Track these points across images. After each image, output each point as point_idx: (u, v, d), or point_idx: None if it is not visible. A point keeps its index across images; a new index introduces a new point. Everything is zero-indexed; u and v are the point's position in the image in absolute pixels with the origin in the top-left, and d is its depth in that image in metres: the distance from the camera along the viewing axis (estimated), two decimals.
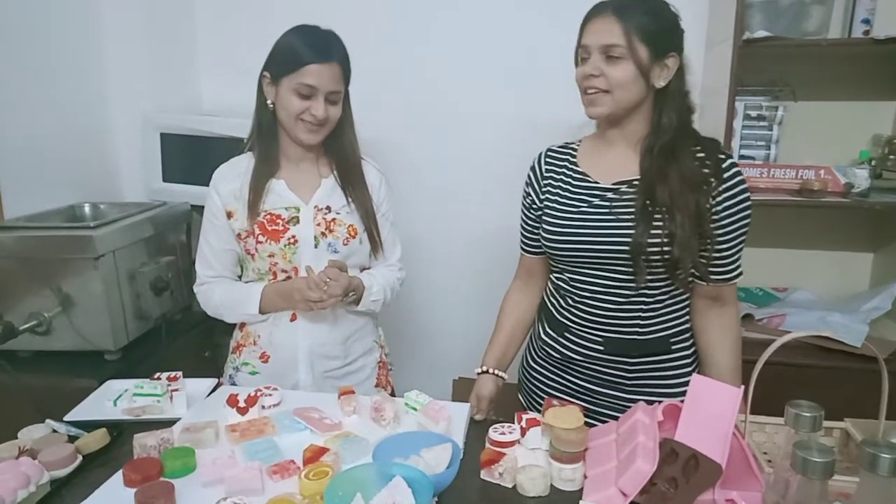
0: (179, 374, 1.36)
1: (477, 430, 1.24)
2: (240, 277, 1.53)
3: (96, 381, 1.47)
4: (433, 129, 2.33)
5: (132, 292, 1.76)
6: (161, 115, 2.18)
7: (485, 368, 1.43)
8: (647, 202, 1.21)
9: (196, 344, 2.00)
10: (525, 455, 1.12)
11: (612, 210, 1.24)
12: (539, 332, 1.43)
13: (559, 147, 1.39)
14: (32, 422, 1.21)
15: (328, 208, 1.45)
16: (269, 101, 1.40)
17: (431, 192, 2.37)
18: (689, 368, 1.33)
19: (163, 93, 2.28)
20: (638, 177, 1.24)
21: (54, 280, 1.63)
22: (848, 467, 1.07)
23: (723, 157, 1.23)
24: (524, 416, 1.16)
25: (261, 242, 1.41)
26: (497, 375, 1.43)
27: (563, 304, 1.35)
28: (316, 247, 1.42)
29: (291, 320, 1.46)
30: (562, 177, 1.34)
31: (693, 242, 1.19)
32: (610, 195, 1.26)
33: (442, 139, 2.33)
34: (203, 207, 1.50)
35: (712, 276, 1.26)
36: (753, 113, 1.94)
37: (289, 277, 1.44)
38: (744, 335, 1.86)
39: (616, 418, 1.28)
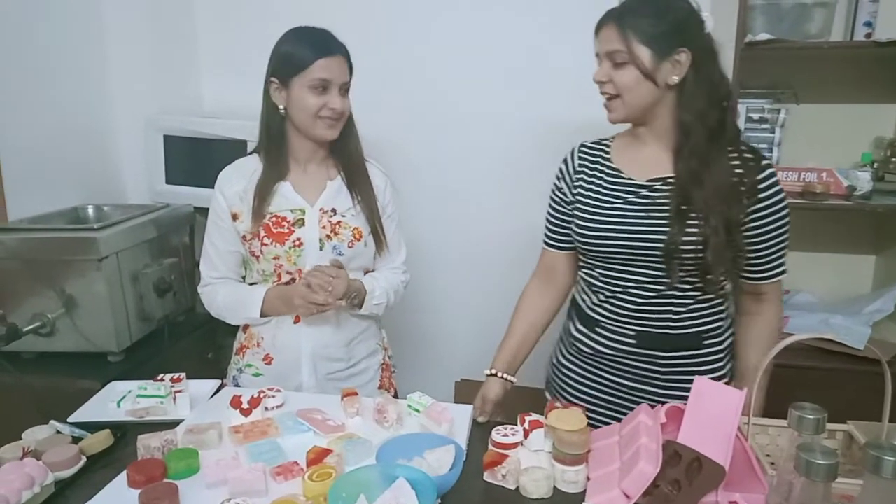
0: (183, 375, 1.37)
1: (480, 431, 1.24)
2: (244, 279, 1.54)
3: (99, 383, 1.47)
4: (434, 129, 2.33)
5: (135, 294, 1.76)
6: (164, 117, 2.19)
7: (493, 371, 1.43)
8: (682, 204, 1.22)
9: (199, 345, 2.01)
10: (528, 457, 1.12)
11: (647, 207, 1.25)
12: (570, 329, 1.44)
13: (592, 143, 1.40)
14: (36, 423, 1.22)
15: (333, 211, 1.46)
16: (281, 107, 1.40)
17: (433, 193, 2.37)
18: (723, 363, 1.34)
19: (165, 95, 2.29)
20: (671, 174, 1.25)
21: (58, 281, 1.63)
22: (851, 470, 1.07)
23: (761, 166, 1.23)
24: (527, 418, 1.16)
25: (266, 245, 1.41)
26: (505, 379, 1.42)
27: (595, 301, 1.36)
28: (321, 249, 1.43)
29: (295, 322, 1.47)
30: (595, 172, 1.34)
31: (726, 250, 1.20)
32: (644, 192, 1.27)
33: (443, 140, 2.33)
34: (206, 209, 1.50)
35: (752, 276, 1.29)
36: (756, 115, 1.95)
37: (293, 280, 1.44)
38: None
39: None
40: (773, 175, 1.23)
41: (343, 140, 1.46)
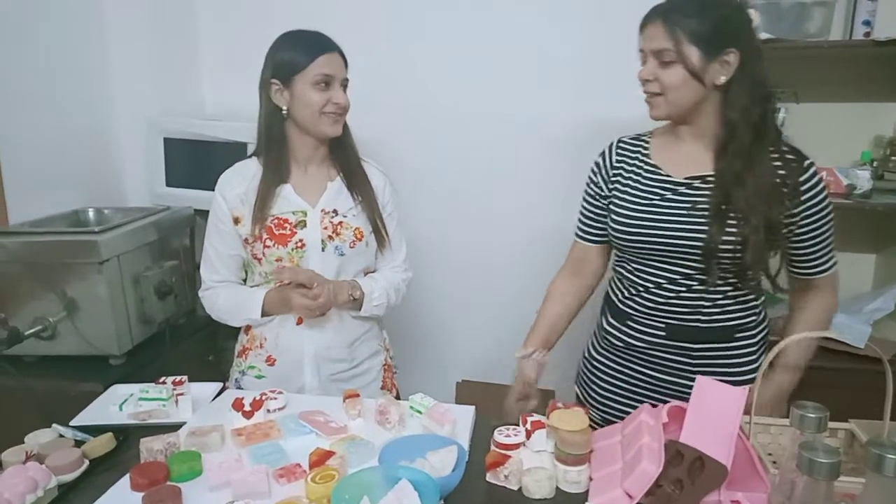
0: (184, 378, 1.37)
1: (482, 432, 1.24)
2: (244, 282, 1.54)
3: (101, 386, 1.47)
4: (433, 130, 2.33)
5: (136, 297, 1.76)
6: (165, 120, 2.19)
7: (530, 350, 1.42)
8: (722, 203, 1.21)
9: (200, 348, 2.01)
10: (530, 457, 1.12)
11: (685, 205, 1.26)
12: (602, 323, 1.45)
13: (631, 139, 1.39)
14: (38, 426, 1.22)
15: (335, 212, 1.46)
16: (283, 109, 1.40)
17: (431, 193, 2.37)
18: (756, 356, 1.33)
19: (166, 97, 2.29)
20: (710, 172, 1.25)
21: (59, 285, 1.63)
22: (853, 468, 1.07)
23: (804, 167, 1.23)
24: (529, 419, 1.16)
25: (268, 247, 1.41)
26: (539, 361, 1.41)
27: (626, 294, 1.36)
28: (323, 250, 1.43)
29: (298, 324, 1.47)
30: (633, 168, 1.34)
31: (766, 250, 1.21)
32: (682, 189, 1.27)
33: (442, 140, 2.33)
34: (207, 212, 1.50)
35: (803, 272, 1.31)
36: None
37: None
38: None
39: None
40: (815, 174, 1.23)
41: (340, 140, 1.47)
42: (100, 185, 2.14)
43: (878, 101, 2.06)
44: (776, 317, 1.98)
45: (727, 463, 0.92)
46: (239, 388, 1.51)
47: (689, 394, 1.23)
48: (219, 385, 1.45)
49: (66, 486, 1.06)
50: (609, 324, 1.41)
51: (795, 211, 1.23)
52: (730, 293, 1.28)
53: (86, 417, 1.30)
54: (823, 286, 1.34)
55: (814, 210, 1.24)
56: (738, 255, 1.21)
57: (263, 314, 1.45)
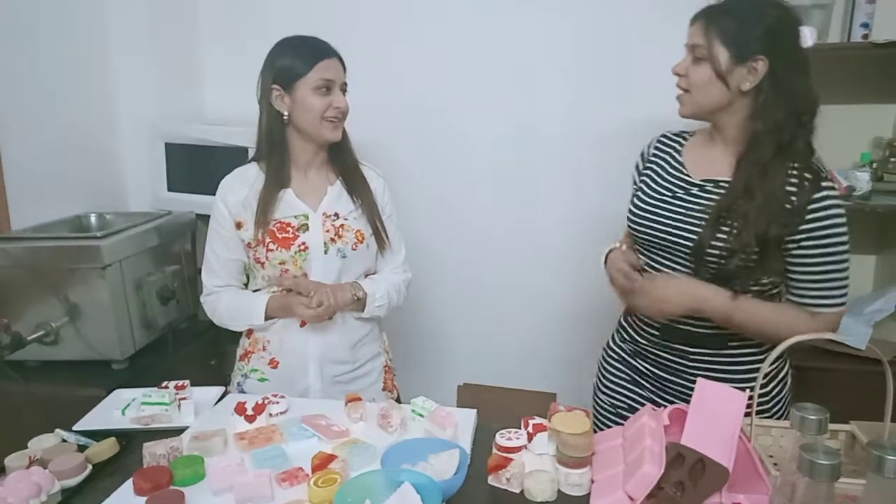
0: (187, 382, 1.37)
1: (484, 435, 1.24)
2: (245, 286, 1.55)
3: (104, 391, 1.47)
4: (432, 133, 2.34)
5: (139, 301, 1.77)
6: (166, 125, 2.20)
7: (616, 244, 1.40)
8: (724, 209, 1.20)
9: (202, 352, 2.01)
10: (532, 460, 1.12)
11: (692, 206, 1.27)
12: (621, 316, 1.48)
13: (673, 135, 1.40)
14: (41, 431, 1.22)
15: (336, 215, 1.47)
16: (284, 114, 1.41)
17: (431, 197, 2.38)
18: (755, 366, 1.29)
19: (167, 102, 2.30)
20: (727, 178, 1.25)
21: (61, 290, 1.64)
22: (854, 470, 1.07)
23: (815, 196, 1.18)
24: (531, 422, 1.16)
25: (271, 250, 1.42)
26: (626, 252, 1.37)
27: None
28: (326, 253, 1.45)
29: (301, 326, 1.48)
30: (662, 163, 1.36)
31: (754, 267, 1.19)
32: (694, 190, 1.28)
33: (442, 143, 2.34)
34: (208, 216, 1.51)
35: (799, 300, 1.24)
36: None
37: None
38: None
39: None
40: (826, 199, 1.17)
41: (339, 145, 1.49)
42: (102, 190, 2.15)
43: (877, 103, 2.07)
44: None
45: (728, 465, 0.93)
46: (241, 391, 1.52)
47: (689, 394, 1.23)
48: (221, 389, 1.45)
49: (69, 490, 1.06)
50: (624, 317, 1.46)
51: (797, 236, 1.18)
52: None
53: (88, 422, 1.30)
54: (819, 323, 1.22)
55: (816, 238, 1.18)
56: (724, 262, 1.20)
57: (266, 318, 1.46)
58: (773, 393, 1.33)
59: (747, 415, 1.02)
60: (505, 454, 1.11)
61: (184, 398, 1.33)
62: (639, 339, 1.39)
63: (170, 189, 2.19)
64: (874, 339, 1.83)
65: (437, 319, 2.51)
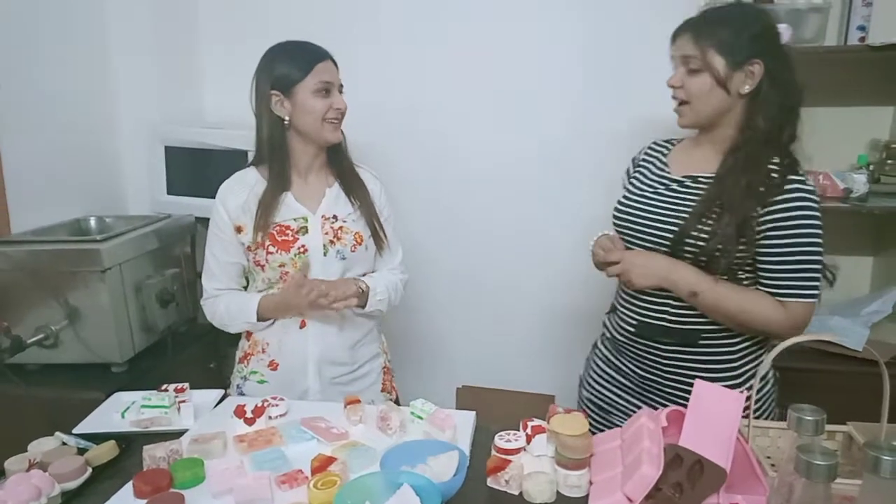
0: (186, 385, 1.38)
1: (482, 437, 1.25)
2: (245, 289, 1.55)
3: (103, 394, 1.48)
4: (430, 136, 2.34)
5: (138, 305, 1.77)
6: (165, 129, 2.20)
7: (605, 232, 1.44)
8: (708, 200, 1.24)
9: (201, 355, 2.01)
10: (531, 462, 1.12)
11: (671, 200, 1.31)
12: (606, 314, 1.51)
13: (663, 141, 1.46)
14: (41, 434, 1.22)
15: (335, 217, 1.49)
16: (285, 119, 1.42)
17: (428, 200, 2.39)
18: (736, 364, 1.32)
19: (166, 106, 2.30)
20: (707, 174, 1.29)
21: (61, 293, 1.64)
22: (851, 471, 1.08)
23: (791, 177, 1.23)
24: (529, 424, 1.17)
25: (271, 253, 1.43)
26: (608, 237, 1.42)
27: (619, 287, 1.43)
28: (325, 255, 1.46)
29: (301, 327, 1.49)
30: (649, 166, 1.42)
31: (731, 244, 1.21)
32: (674, 186, 1.33)
33: (439, 147, 2.35)
34: (208, 219, 1.52)
35: (769, 289, 1.26)
36: None
37: None
38: None
39: (658, 404, 1.34)
40: (796, 190, 1.21)
41: (336, 147, 1.51)
42: (101, 194, 2.16)
43: (874, 105, 2.08)
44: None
45: (726, 466, 0.93)
46: (241, 394, 1.52)
47: (665, 393, 1.33)
48: (220, 392, 1.46)
49: (69, 493, 1.07)
50: (607, 314, 1.50)
51: (766, 225, 1.22)
52: None
53: (88, 425, 1.31)
54: (789, 313, 1.25)
55: (785, 228, 1.22)
56: (703, 244, 1.23)
57: (259, 318, 1.47)
58: (757, 391, 1.34)
59: (745, 416, 1.02)
60: (504, 456, 1.11)
61: (183, 401, 1.34)
62: (617, 335, 1.42)
63: (169, 192, 2.20)
64: (871, 340, 1.83)
65: (435, 322, 2.51)
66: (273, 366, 1.50)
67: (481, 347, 2.50)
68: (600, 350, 1.51)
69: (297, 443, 1.22)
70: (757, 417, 1.31)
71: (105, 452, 1.16)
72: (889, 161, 1.99)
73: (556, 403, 1.54)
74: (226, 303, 1.50)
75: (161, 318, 1.84)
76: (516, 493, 1.07)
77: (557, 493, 1.06)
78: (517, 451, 1.13)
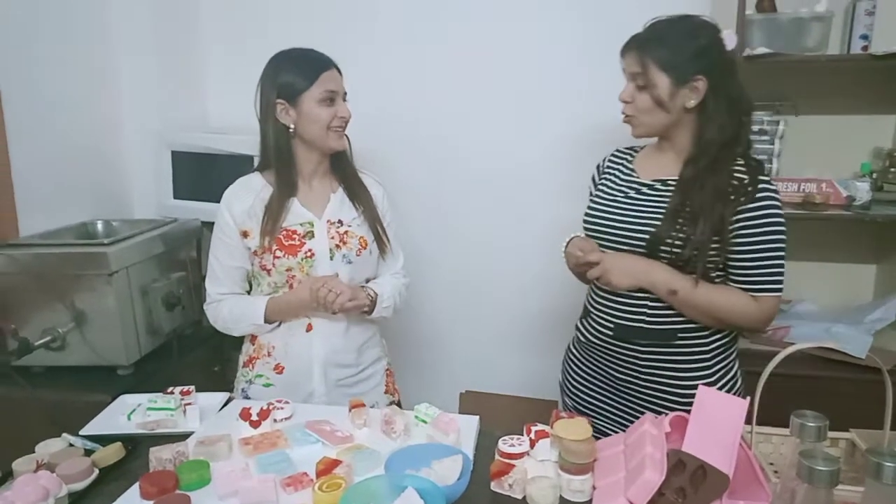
0: (192, 388, 1.39)
1: (486, 441, 1.25)
2: (248, 292, 1.56)
3: (109, 396, 1.49)
4: (431, 141, 2.35)
5: (144, 308, 1.78)
6: (171, 133, 2.22)
7: (575, 234, 1.46)
8: (679, 204, 1.27)
9: (206, 359, 2.02)
10: (534, 466, 1.13)
11: (642, 203, 1.33)
12: (579, 318, 1.52)
13: (626, 148, 1.49)
14: (48, 436, 1.23)
15: (340, 222, 1.50)
16: (290, 127, 1.44)
17: (430, 206, 2.39)
18: (709, 363, 1.35)
19: (172, 111, 2.32)
20: (675, 177, 1.32)
21: (68, 296, 1.65)
22: (854, 477, 1.08)
23: (760, 178, 1.27)
24: (533, 428, 1.17)
25: (278, 257, 1.44)
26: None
27: (591, 290, 1.45)
28: (331, 259, 1.47)
29: (307, 330, 1.50)
30: (616, 173, 1.44)
31: (706, 247, 1.25)
32: (644, 189, 1.36)
33: (440, 152, 2.35)
34: (213, 224, 1.53)
35: (741, 285, 1.30)
36: (755, 128, 1.96)
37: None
38: (748, 347, 1.89)
39: (634, 407, 1.38)
40: (765, 192, 1.26)
41: (340, 153, 1.52)
42: (108, 198, 2.17)
43: (877, 114, 2.08)
44: (776, 328, 2.00)
45: (729, 472, 0.94)
46: (246, 397, 1.53)
47: (642, 395, 1.36)
48: (226, 395, 1.46)
49: (76, 494, 1.08)
50: (580, 318, 1.50)
51: (738, 224, 1.26)
52: None
53: (95, 427, 1.32)
54: (761, 307, 1.30)
55: (755, 227, 1.26)
56: (677, 251, 1.26)
57: (267, 320, 1.48)
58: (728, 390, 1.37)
59: (747, 422, 1.03)
60: (507, 460, 1.12)
61: (189, 403, 1.35)
62: (592, 339, 1.42)
63: (175, 197, 2.21)
64: (874, 348, 1.83)
65: (436, 326, 2.52)
66: (279, 369, 1.51)
67: (482, 352, 2.50)
68: (574, 354, 1.52)
69: (302, 446, 1.22)
70: None
71: (112, 454, 1.17)
72: (892, 169, 2.00)
73: (559, 408, 1.54)
74: (230, 306, 1.51)
75: (167, 322, 1.85)
76: (520, 497, 1.07)
77: (561, 497, 1.06)
78: (521, 455, 1.14)
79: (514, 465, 1.09)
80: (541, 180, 2.31)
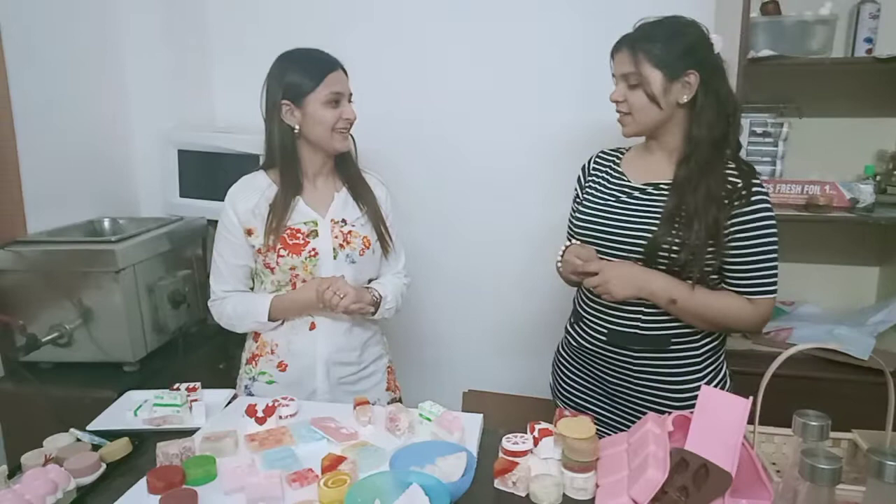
0: (198, 384, 1.40)
1: (490, 439, 1.26)
2: (251, 290, 1.57)
3: (115, 392, 1.50)
4: (432, 142, 2.35)
5: (151, 305, 1.79)
6: (178, 132, 2.23)
7: (570, 242, 1.45)
8: (674, 207, 1.29)
9: (211, 356, 2.03)
10: (538, 464, 1.14)
11: (636, 208, 1.34)
12: (569, 321, 1.52)
13: (611, 150, 1.50)
14: (55, 431, 1.25)
15: (343, 221, 1.52)
16: (295, 128, 1.45)
17: (432, 206, 2.40)
18: (700, 367, 1.37)
19: (179, 110, 2.33)
20: (667, 180, 1.33)
21: (76, 293, 1.67)
22: (856, 478, 1.09)
23: (753, 182, 1.29)
24: (537, 427, 1.18)
25: (282, 256, 1.45)
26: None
27: (581, 295, 1.45)
28: (335, 258, 1.48)
29: (311, 329, 1.51)
30: (604, 175, 1.45)
31: (702, 251, 1.26)
32: (636, 193, 1.36)
33: (442, 152, 2.36)
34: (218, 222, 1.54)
35: (736, 288, 1.32)
36: (759, 129, 1.98)
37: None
38: (751, 348, 1.89)
39: (626, 410, 1.39)
40: (758, 195, 1.28)
41: (344, 154, 1.53)
42: (115, 196, 2.18)
43: (881, 117, 2.09)
44: (779, 329, 2.00)
45: (731, 470, 0.94)
46: (249, 394, 1.54)
47: (634, 400, 1.37)
48: (231, 392, 1.47)
49: (84, 488, 1.09)
50: (570, 323, 1.51)
51: (733, 228, 1.28)
52: None
53: (102, 422, 1.33)
54: (757, 309, 1.32)
55: (750, 230, 1.27)
56: (675, 255, 1.27)
57: (271, 318, 1.49)
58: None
59: (750, 423, 1.03)
60: (511, 458, 1.13)
61: (195, 400, 1.36)
62: (585, 344, 1.43)
63: (182, 195, 2.22)
64: (877, 349, 1.83)
65: (437, 326, 2.52)
66: (282, 367, 1.52)
67: (483, 351, 2.50)
68: (565, 358, 1.52)
69: (308, 442, 1.23)
70: None
71: (119, 449, 1.19)
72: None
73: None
74: (234, 304, 1.52)
75: (172, 319, 1.86)
76: (523, 494, 1.08)
77: (564, 495, 1.07)
78: (524, 453, 1.14)
79: (517, 463, 1.10)
80: (541, 180, 2.32)
